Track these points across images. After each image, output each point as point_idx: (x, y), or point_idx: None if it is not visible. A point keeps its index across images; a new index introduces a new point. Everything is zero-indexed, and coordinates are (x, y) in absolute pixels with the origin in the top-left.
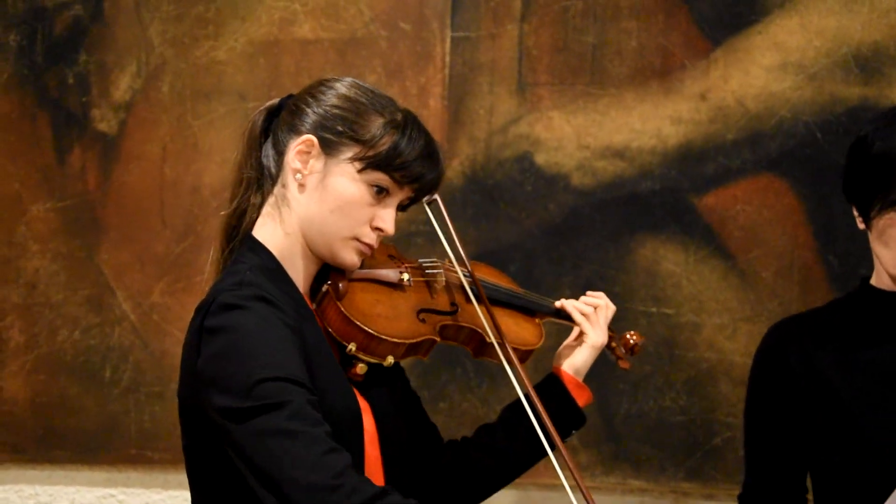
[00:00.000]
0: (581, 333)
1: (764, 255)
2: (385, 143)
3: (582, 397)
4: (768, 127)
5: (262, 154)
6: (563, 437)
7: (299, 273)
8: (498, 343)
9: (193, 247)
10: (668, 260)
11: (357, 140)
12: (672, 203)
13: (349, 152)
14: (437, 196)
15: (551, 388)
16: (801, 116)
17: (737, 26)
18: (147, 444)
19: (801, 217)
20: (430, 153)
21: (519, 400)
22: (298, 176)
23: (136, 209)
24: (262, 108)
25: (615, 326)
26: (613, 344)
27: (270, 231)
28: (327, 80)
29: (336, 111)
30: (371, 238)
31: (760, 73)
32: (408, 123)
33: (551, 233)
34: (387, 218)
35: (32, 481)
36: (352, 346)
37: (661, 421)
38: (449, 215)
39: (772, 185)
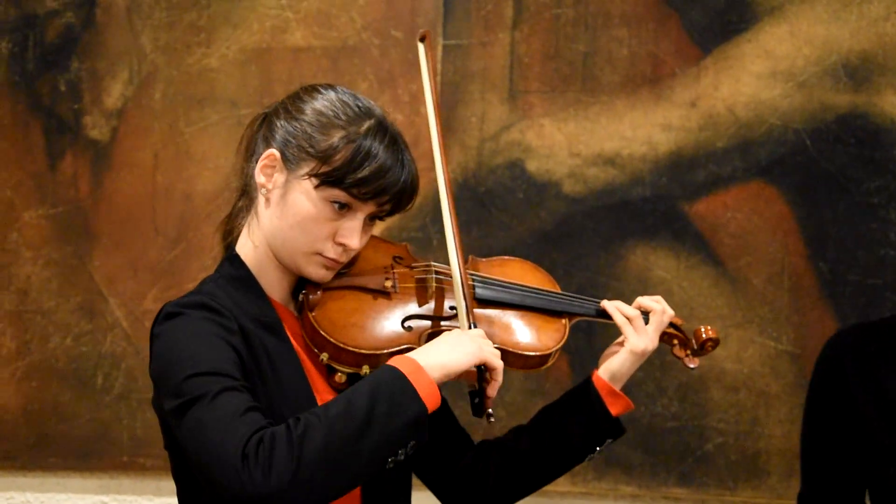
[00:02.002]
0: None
1: (755, 261)
2: (339, 160)
3: (617, 406)
4: (758, 134)
5: (249, 164)
6: (597, 445)
7: (273, 283)
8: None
9: (185, 253)
10: (659, 267)
11: (314, 156)
12: (663, 210)
13: (306, 167)
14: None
15: (584, 393)
16: (791, 124)
17: (727, 34)
18: (139, 450)
19: (791, 224)
20: (391, 167)
21: (548, 407)
22: (263, 190)
23: (128, 216)
24: (257, 115)
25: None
26: (675, 342)
27: (244, 242)
28: (304, 91)
29: (300, 125)
30: (335, 253)
31: (750, 81)
32: (369, 136)
33: (543, 240)
34: (350, 233)
35: (24, 488)
36: (324, 356)
37: (652, 427)
38: (440, 222)
39: (762, 193)
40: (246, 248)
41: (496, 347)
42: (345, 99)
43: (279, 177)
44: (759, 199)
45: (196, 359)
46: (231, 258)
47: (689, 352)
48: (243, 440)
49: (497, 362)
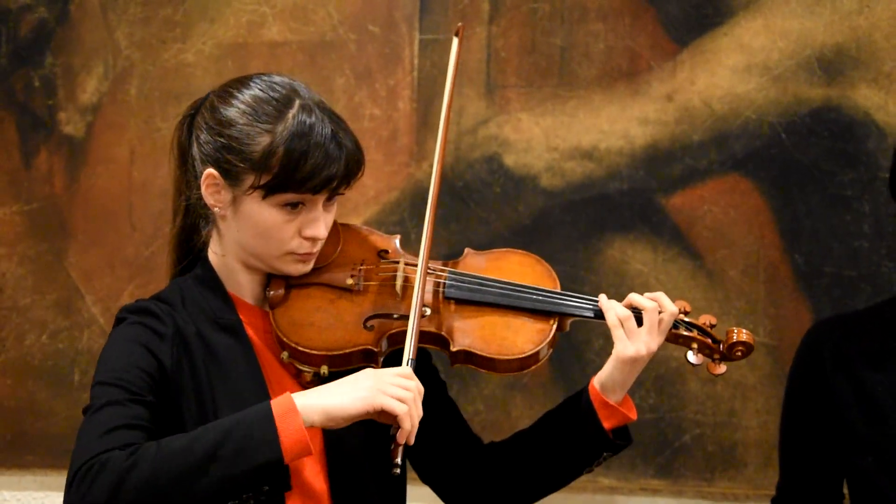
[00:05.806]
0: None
1: (731, 254)
2: (276, 164)
3: (612, 418)
4: (734, 128)
5: (187, 177)
6: (594, 459)
7: (243, 284)
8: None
9: (162, 249)
10: (636, 260)
11: (251, 168)
12: (640, 204)
13: (248, 180)
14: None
15: (576, 405)
16: (766, 117)
17: (702, 28)
18: None
19: (766, 216)
20: (329, 151)
21: (548, 414)
22: (217, 209)
23: (104, 212)
24: (181, 119)
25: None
26: (694, 345)
27: (212, 249)
28: (219, 99)
29: (224, 140)
30: (306, 247)
31: (726, 75)
32: (296, 126)
33: (521, 234)
34: (314, 224)
35: (1, 487)
36: (284, 355)
37: None
38: (418, 216)
39: (738, 186)
40: (216, 255)
41: (466, 350)
42: (261, 95)
43: (226, 194)
44: (735, 193)
45: (108, 366)
46: (202, 260)
47: (716, 356)
48: (85, 459)
49: (399, 408)
